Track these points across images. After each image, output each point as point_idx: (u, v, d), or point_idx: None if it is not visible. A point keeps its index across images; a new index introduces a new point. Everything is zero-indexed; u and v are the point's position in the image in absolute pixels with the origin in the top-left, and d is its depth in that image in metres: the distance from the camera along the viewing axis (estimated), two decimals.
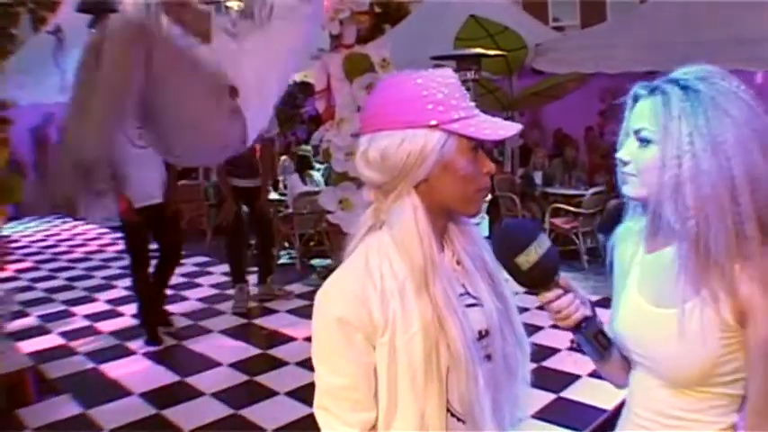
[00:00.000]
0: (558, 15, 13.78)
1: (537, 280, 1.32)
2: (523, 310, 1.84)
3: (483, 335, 1.34)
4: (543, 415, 3.69)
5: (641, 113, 1.34)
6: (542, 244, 1.29)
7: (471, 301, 1.35)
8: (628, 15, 8.67)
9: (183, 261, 5.74)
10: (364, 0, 5.53)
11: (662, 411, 1.38)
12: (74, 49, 10.39)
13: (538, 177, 8.22)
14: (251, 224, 6.32)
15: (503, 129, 1.29)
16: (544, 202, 7.78)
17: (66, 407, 4.18)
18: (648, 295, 1.38)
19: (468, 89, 6.33)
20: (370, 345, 1.27)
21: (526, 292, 1.36)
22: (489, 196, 6.22)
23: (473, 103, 1.31)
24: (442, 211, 1.33)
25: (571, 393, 3.92)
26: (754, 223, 1.22)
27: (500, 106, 8.66)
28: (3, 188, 5.09)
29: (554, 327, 1.38)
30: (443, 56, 7.11)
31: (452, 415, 1.29)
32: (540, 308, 1.36)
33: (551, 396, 3.88)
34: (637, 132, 1.34)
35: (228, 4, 4.56)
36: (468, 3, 8.47)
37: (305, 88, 10.43)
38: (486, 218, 6.97)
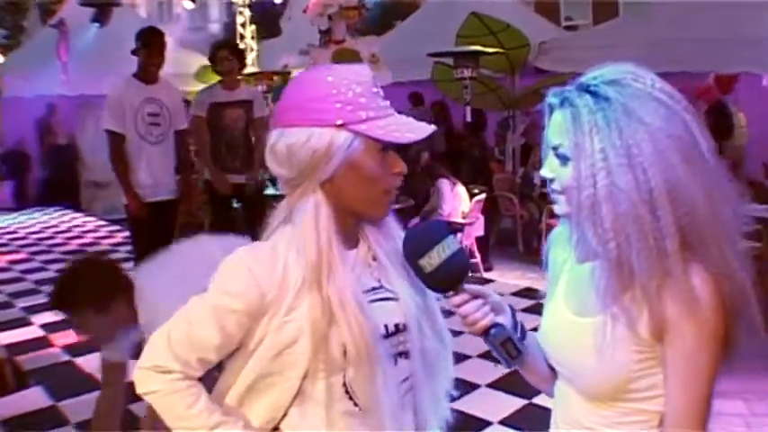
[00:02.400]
0: (570, 14, 13.65)
1: (439, 283, 1.29)
2: None
3: (400, 329, 1.35)
4: (514, 421, 3.65)
5: (555, 128, 1.26)
6: (446, 248, 1.25)
7: (387, 294, 1.36)
8: (637, 15, 8.52)
9: None
10: None
11: (579, 423, 1.31)
12: (76, 41, 10.44)
13: (537, 177, 8.09)
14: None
15: (412, 131, 1.27)
16: (542, 203, 7.65)
17: (35, 399, 4.12)
18: (571, 303, 1.32)
19: (465, 87, 6.28)
20: (244, 327, 1.29)
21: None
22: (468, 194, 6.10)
23: (387, 102, 1.29)
24: (349, 212, 1.32)
25: (542, 400, 3.82)
26: (675, 238, 1.14)
27: (502, 105, 8.57)
28: None
29: None
30: (441, 52, 7.06)
31: (350, 399, 1.30)
32: None
33: (522, 402, 3.82)
34: (555, 149, 1.26)
35: None
36: (473, 1, 8.36)
37: None
38: (482, 217, 6.87)
